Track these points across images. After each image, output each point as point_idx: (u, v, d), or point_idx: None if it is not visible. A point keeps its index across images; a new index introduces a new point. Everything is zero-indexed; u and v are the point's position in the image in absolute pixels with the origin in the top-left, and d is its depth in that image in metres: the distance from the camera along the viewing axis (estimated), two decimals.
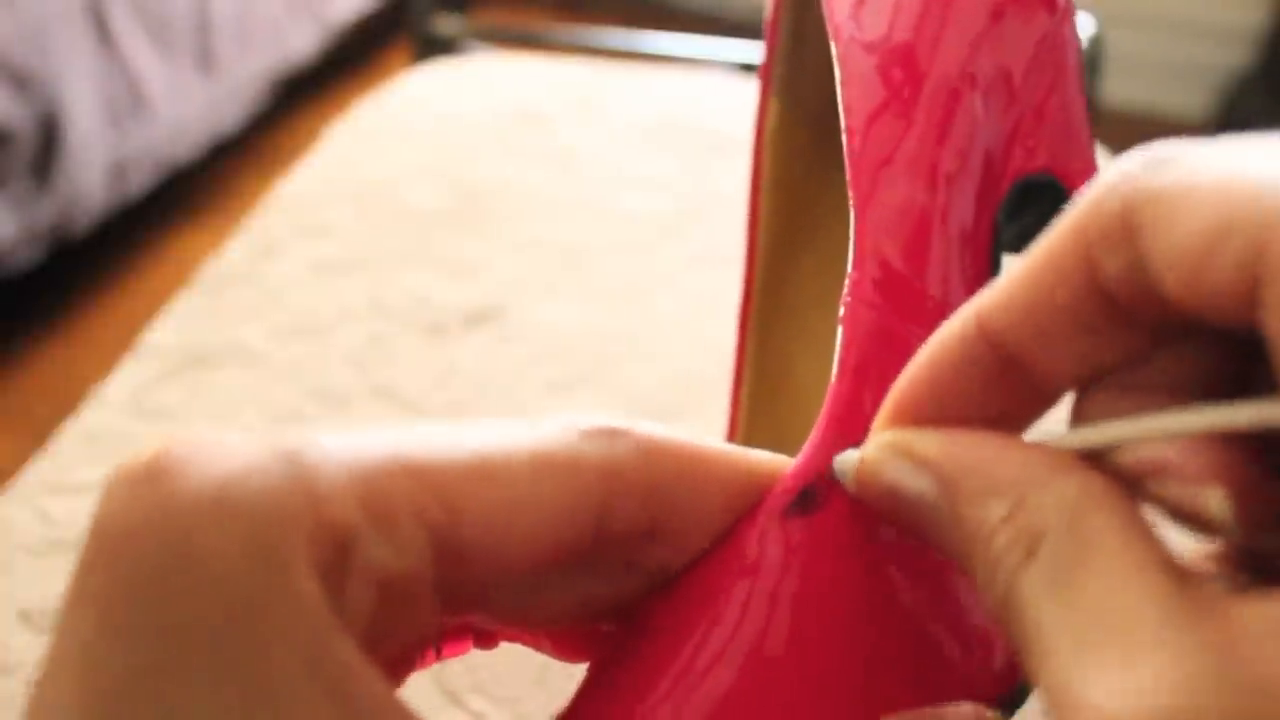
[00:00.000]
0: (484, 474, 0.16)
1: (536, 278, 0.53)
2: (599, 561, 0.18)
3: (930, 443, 0.17)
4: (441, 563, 0.16)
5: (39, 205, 1.20)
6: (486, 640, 0.20)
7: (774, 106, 0.30)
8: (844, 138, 0.22)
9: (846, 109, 0.22)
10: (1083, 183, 0.24)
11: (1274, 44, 1.65)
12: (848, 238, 0.21)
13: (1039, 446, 0.16)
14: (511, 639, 0.20)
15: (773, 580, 0.18)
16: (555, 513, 0.17)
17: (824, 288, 0.28)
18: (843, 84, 0.23)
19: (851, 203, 0.21)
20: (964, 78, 0.23)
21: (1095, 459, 0.16)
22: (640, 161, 0.63)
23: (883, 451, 0.18)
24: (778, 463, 0.19)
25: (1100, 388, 0.17)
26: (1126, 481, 0.15)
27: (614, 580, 0.19)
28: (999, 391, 0.17)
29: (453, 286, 0.52)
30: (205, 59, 1.41)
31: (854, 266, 0.21)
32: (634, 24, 1.53)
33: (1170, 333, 0.16)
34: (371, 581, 0.15)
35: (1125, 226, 0.15)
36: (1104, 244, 0.15)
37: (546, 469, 0.17)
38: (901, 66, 0.23)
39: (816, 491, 0.19)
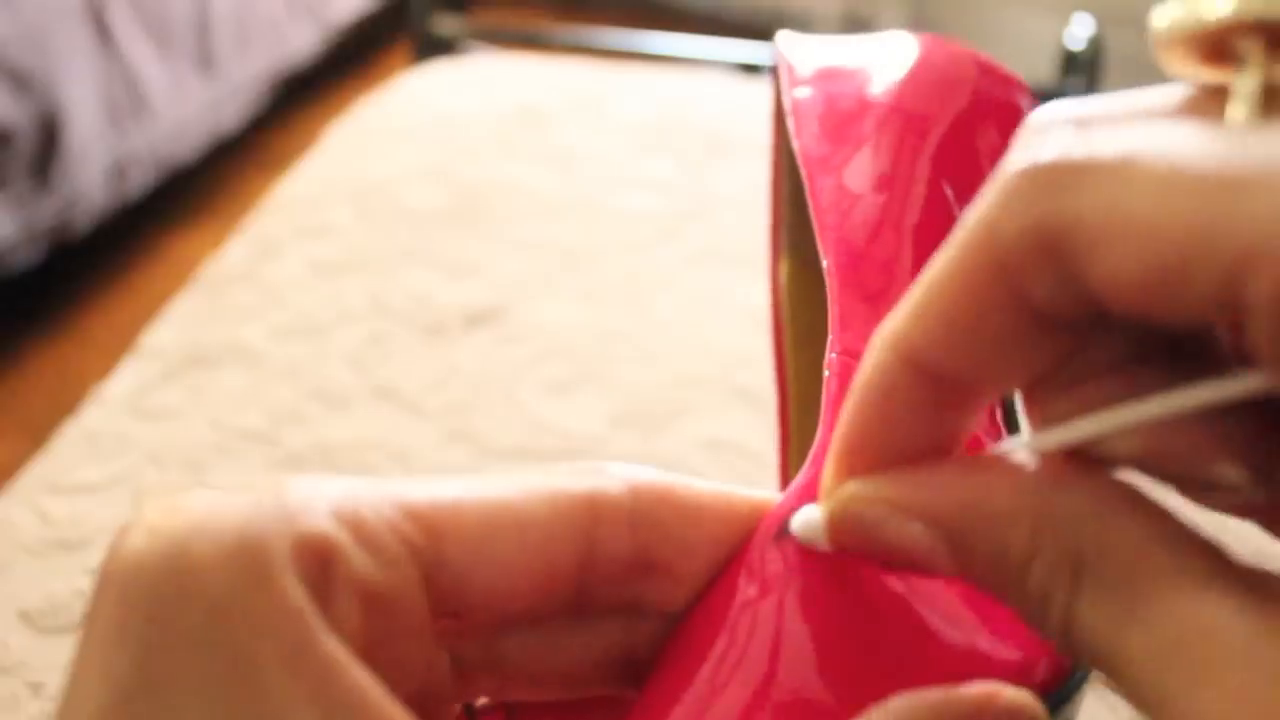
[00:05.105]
0: (463, 499, 0.17)
1: (536, 278, 0.53)
2: (599, 600, 0.18)
3: (904, 488, 0.17)
4: (432, 587, 0.17)
5: (39, 205, 1.20)
6: None
7: (785, 265, 0.33)
8: (827, 279, 0.23)
9: (827, 250, 0.24)
10: None
11: None
12: None
13: (1015, 465, 0.16)
14: None
15: (774, 600, 0.18)
16: (539, 536, 0.17)
17: None
18: (820, 237, 0.24)
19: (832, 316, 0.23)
20: (935, 184, 0.24)
21: (1081, 456, 0.16)
22: (640, 161, 0.63)
23: (854, 505, 0.17)
24: (764, 498, 0.19)
25: (1044, 388, 0.16)
26: (1122, 467, 0.15)
27: (621, 627, 0.19)
28: (938, 410, 0.16)
29: (453, 286, 0.52)
30: (205, 59, 1.41)
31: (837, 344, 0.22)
32: (634, 24, 1.53)
33: (1106, 324, 0.15)
34: (357, 592, 0.16)
35: (1049, 253, 0.14)
36: (1028, 271, 0.14)
37: (527, 494, 0.17)
38: (883, 192, 0.24)
39: None
